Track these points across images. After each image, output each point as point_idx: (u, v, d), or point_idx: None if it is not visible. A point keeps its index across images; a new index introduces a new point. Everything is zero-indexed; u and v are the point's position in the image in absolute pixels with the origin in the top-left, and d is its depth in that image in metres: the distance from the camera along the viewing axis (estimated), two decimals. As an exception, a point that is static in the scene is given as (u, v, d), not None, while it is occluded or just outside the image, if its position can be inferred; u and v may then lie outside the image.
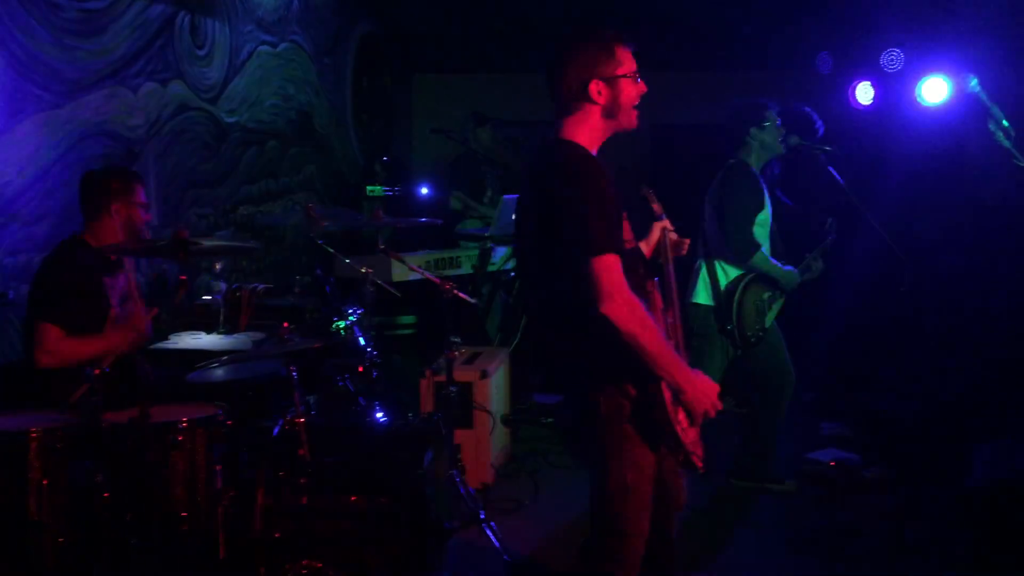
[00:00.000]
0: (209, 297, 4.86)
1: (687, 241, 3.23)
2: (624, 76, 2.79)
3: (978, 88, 4.24)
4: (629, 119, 2.85)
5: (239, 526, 3.30)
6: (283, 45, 6.87)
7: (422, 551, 3.45)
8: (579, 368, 2.77)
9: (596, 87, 2.78)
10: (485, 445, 4.97)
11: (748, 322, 4.74)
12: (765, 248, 4.77)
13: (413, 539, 3.39)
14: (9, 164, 4.07)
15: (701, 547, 4.21)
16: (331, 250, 4.57)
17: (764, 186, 4.84)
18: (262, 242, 6.44)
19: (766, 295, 4.81)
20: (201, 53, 5.63)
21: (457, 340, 4.33)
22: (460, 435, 4.63)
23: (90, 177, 3.90)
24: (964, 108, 5.56)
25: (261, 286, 4.72)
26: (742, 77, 8.18)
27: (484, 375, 4.98)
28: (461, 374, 4.82)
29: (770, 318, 4.86)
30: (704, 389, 2.72)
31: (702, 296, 4.87)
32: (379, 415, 3.95)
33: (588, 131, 2.83)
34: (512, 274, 6.38)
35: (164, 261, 5.05)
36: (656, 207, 3.18)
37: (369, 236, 6.84)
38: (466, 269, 6.19)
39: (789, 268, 4.85)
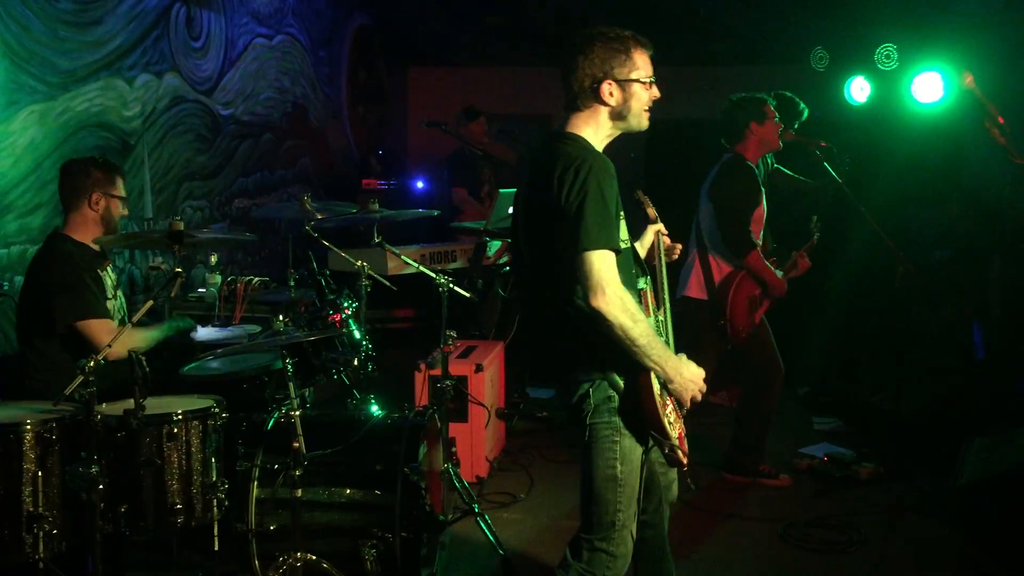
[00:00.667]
0: (204, 290, 4.86)
1: (679, 246, 3.27)
2: (637, 80, 2.79)
3: (974, 84, 4.25)
4: (639, 122, 2.86)
5: (234, 518, 3.30)
6: (279, 38, 6.86)
7: (416, 544, 3.46)
8: (570, 360, 2.79)
9: (608, 88, 2.78)
10: (480, 439, 4.98)
11: (740, 317, 4.75)
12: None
13: (407, 532, 3.39)
14: (4, 155, 4.06)
15: (693, 541, 4.22)
16: (326, 243, 4.57)
17: (760, 182, 4.85)
18: (257, 235, 6.44)
19: (758, 290, 4.82)
20: (197, 45, 5.62)
21: (452, 334, 4.33)
22: (455, 429, 4.63)
23: (71, 165, 3.87)
24: (960, 104, 5.57)
25: (256, 279, 4.72)
26: (736, 72, 8.20)
27: (479, 369, 4.99)
28: (456, 368, 4.83)
29: (761, 312, 4.86)
30: (691, 376, 2.78)
31: (695, 290, 4.89)
32: (374, 408, 3.95)
33: (594, 129, 2.83)
34: (507, 268, 6.38)
35: (159, 253, 5.05)
36: (650, 211, 3.20)
37: (364, 229, 6.84)
38: (461, 262, 6.19)
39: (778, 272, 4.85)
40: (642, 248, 3.15)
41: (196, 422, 3.21)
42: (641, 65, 2.81)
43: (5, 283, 4.06)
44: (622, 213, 2.80)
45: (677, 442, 2.76)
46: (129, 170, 4.88)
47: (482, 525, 4.04)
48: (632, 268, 2.88)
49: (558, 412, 5.80)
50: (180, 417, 3.18)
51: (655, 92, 2.85)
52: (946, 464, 4.90)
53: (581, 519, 2.85)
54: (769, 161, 5.12)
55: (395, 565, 3.36)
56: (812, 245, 5.09)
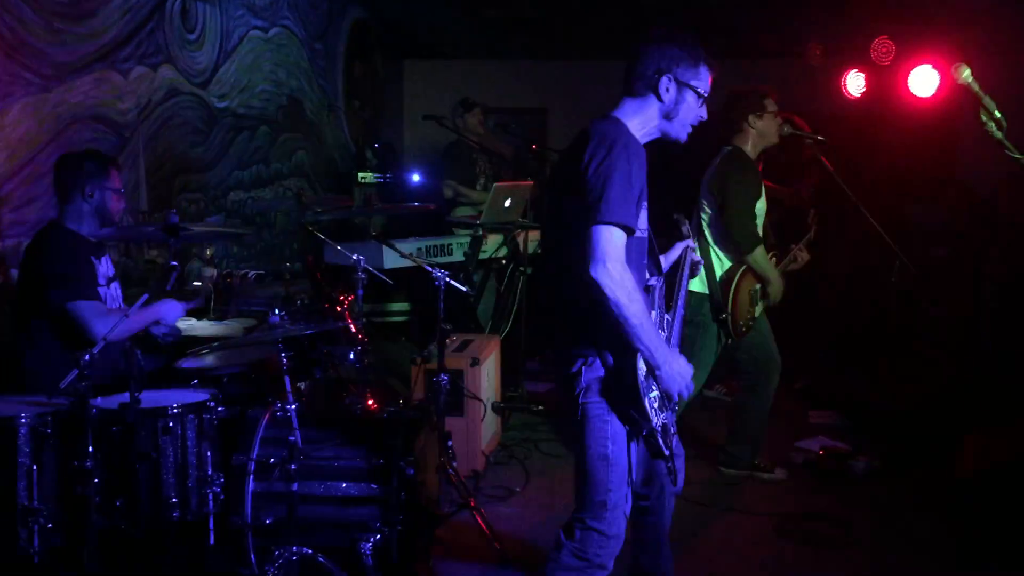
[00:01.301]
0: (199, 283, 4.84)
1: (701, 263, 3.29)
2: (695, 88, 2.83)
3: (970, 78, 4.24)
4: (679, 132, 2.89)
5: (229, 512, 3.30)
6: (274, 30, 6.84)
7: (413, 538, 3.46)
8: (569, 333, 2.82)
9: (666, 83, 2.81)
10: (476, 432, 4.97)
11: (741, 311, 4.75)
12: None
13: (404, 526, 3.39)
14: (-2, 148, 4.05)
15: (689, 533, 4.22)
16: (322, 236, 4.56)
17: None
18: (253, 228, 6.43)
19: (758, 285, 4.82)
20: (192, 37, 5.60)
21: (448, 327, 4.32)
22: (451, 422, 4.63)
23: (66, 159, 3.87)
24: (955, 98, 5.57)
25: (252, 272, 4.71)
26: (731, 67, 8.17)
27: (475, 363, 4.99)
28: (452, 361, 4.82)
29: (760, 307, 4.86)
30: (680, 369, 2.78)
31: (696, 284, 4.86)
32: (370, 402, 3.94)
33: (641, 120, 2.85)
34: (503, 261, 6.38)
35: (154, 246, 5.04)
36: (686, 230, 3.24)
37: (361, 222, 6.83)
38: (458, 256, 6.18)
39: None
40: (666, 261, 3.17)
41: (192, 415, 3.21)
42: (704, 79, 2.86)
43: (-1, 275, 4.05)
44: (645, 203, 2.82)
45: (659, 430, 2.77)
46: (124, 163, 4.86)
47: (478, 519, 4.04)
48: (644, 259, 2.89)
49: (554, 406, 5.80)
50: (176, 411, 3.17)
51: (704, 112, 2.88)
52: (942, 458, 4.92)
53: (574, 499, 2.87)
54: None
55: (391, 559, 3.36)
56: (811, 239, 5.08)
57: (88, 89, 4.59)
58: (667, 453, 2.82)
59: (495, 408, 5.36)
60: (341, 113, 8.49)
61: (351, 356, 4.06)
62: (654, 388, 2.78)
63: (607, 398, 2.77)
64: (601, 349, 2.76)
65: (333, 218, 5.86)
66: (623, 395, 2.74)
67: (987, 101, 3.06)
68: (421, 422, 3.71)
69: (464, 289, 4.57)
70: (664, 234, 3.00)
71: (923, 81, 5.90)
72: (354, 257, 4.30)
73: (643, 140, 2.86)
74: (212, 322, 4.32)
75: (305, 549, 3.25)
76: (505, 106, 9.37)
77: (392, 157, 8.79)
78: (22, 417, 2.95)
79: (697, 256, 3.26)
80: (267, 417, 3.49)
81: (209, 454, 3.23)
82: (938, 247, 6.54)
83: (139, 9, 5.00)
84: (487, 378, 5.18)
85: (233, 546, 3.31)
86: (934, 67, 5.85)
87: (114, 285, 3.94)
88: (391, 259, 5.39)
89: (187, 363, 3.54)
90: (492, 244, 6.30)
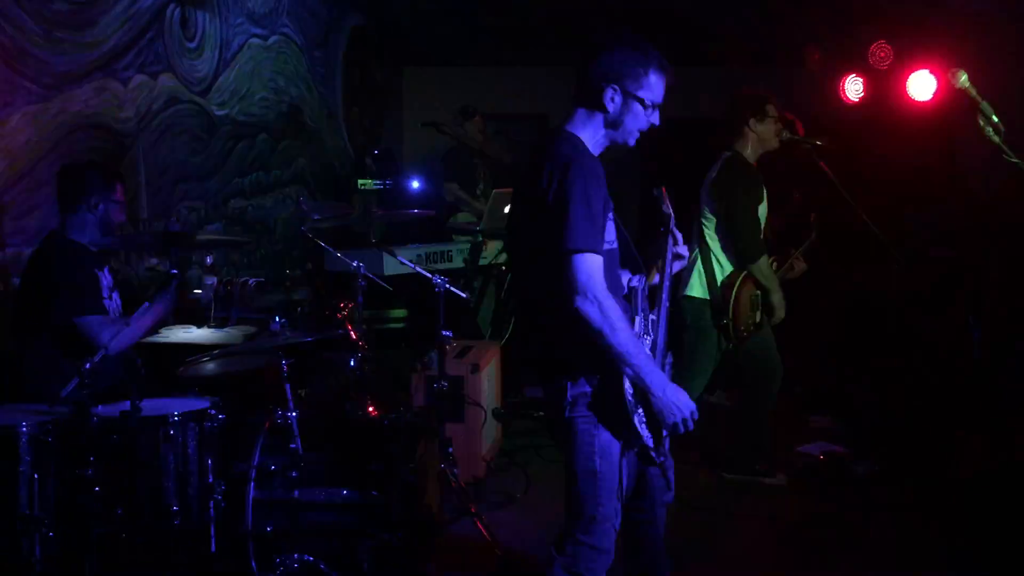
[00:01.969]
0: (200, 291, 4.84)
1: (686, 253, 3.23)
2: (641, 100, 2.79)
3: (967, 83, 4.24)
4: (626, 137, 2.86)
5: (230, 520, 3.30)
6: (274, 38, 6.85)
7: (414, 545, 3.46)
8: (552, 353, 2.82)
9: (611, 93, 2.78)
10: (476, 439, 4.97)
11: (742, 316, 4.75)
12: None
13: (405, 533, 3.40)
14: (-1, 157, 4.05)
15: (691, 540, 4.22)
16: (322, 244, 4.56)
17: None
18: (253, 236, 6.43)
19: (759, 290, 4.81)
20: (191, 45, 5.61)
21: (448, 334, 4.33)
22: (451, 429, 4.63)
23: (68, 170, 3.88)
24: (953, 102, 5.58)
25: (252, 280, 4.71)
26: (729, 72, 8.18)
27: (475, 369, 4.99)
28: (452, 368, 4.82)
29: (760, 312, 4.87)
30: (679, 403, 2.73)
31: (697, 289, 4.86)
32: (370, 409, 3.95)
33: (592, 131, 2.84)
34: (504, 268, 6.38)
35: (154, 255, 5.04)
36: (666, 208, 3.15)
37: (361, 229, 6.83)
38: (458, 263, 6.19)
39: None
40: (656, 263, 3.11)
41: (193, 423, 3.21)
42: (653, 87, 2.81)
43: None
44: (611, 215, 2.81)
45: (650, 443, 2.77)
46: (124, 171, 4.87)
47: (479, 525, 4.04)
48: (616, 270, 2.88)
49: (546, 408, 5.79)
50: (177, 418, 3.18)
51: (655, 118, 2.84)
52: (942, 461, 4.92)
53: (564, 514, 2.87)
54: None
55: (392, 566, 3.36)
56: (811, 244, 5.08)
57: (88, 98, 4.60)
58: (660, 460, 2.82)
59: (496, 414, 5.37)
60: (340, 120, 8.50)
61: (352, 363, 4.06)
62: (641, 407, 2.76)
63: (594, 412, 2.76)
64: (586, 368, 2.75)
65: (333, 225, 5.86)
66: (611, 413, 2.74)
67: (985, 106, 3.07)
68: (421, 429, 3.72)
69: (464, 295, 4.57)
70: (649, 214, 2.95)
71: (921, 86, 5.92)
72: (354, 264, 4.31)
73: (597, 150, 2.84)
74: (213, 330, 4.32)
75: (306, 556, 3.26)
76: (505, 112, 9.38)
77: (392, 164, 8.79)
78: (23, 425, 2.95)
79: (682, 248, 3.13)
80: (268, 424, 3.50)
81: (210, 462, 3.23)
82: (937, 250, 6.54)
83: (139, 18, 5.00)
84: (487, 384, 5.18)
85: (234, 554, 3.31)
86: (932, 72, 5.86)
87: (114, 295, 3.95)
88: (391, 266, 5.40)
89: (188, 370, 3.55)
90: (492, 250, 6.30)
